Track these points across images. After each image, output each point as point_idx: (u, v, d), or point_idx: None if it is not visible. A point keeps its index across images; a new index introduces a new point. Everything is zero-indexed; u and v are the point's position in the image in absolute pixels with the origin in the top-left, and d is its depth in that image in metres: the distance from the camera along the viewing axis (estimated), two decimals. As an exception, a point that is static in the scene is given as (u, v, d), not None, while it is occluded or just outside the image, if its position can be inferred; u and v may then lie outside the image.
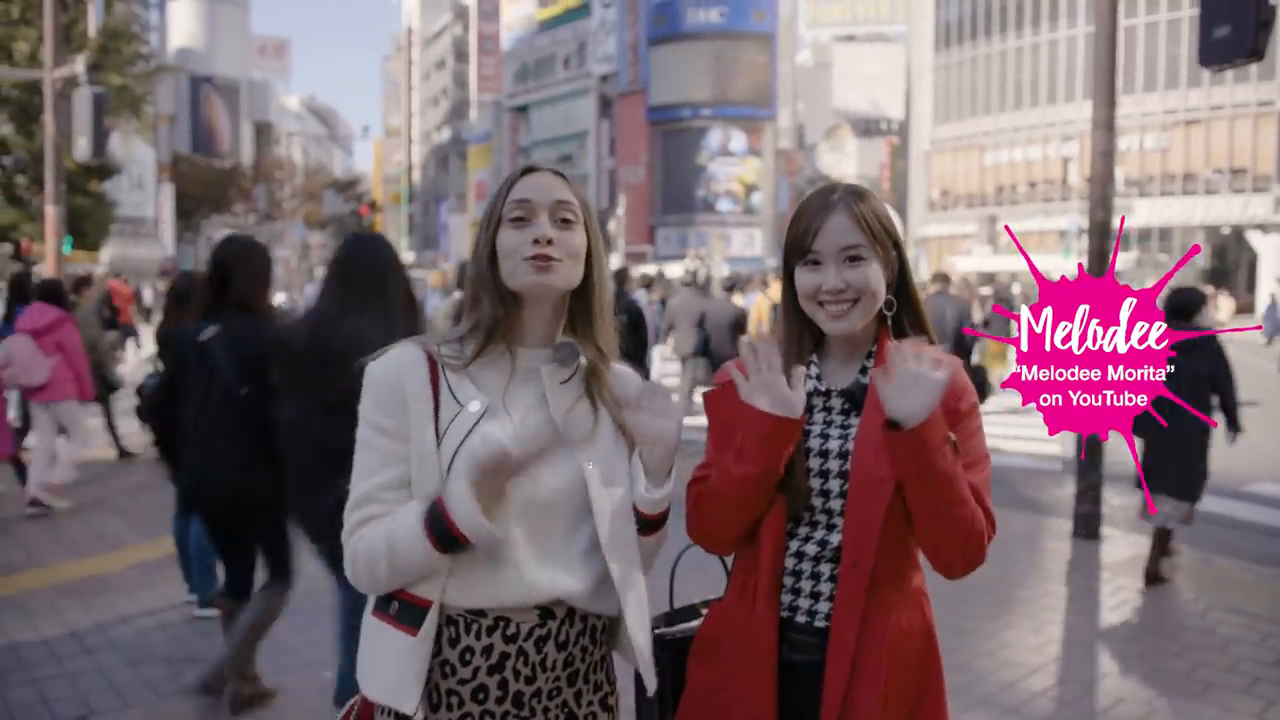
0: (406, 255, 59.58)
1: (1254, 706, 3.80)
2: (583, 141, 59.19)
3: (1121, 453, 8.99)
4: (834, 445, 1.60)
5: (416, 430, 1.46)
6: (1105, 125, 6.17)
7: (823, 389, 1.65)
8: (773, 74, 52.07)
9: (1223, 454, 9.51)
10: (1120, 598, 5.12)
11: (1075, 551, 5.99)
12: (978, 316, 11.01)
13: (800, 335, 1.67)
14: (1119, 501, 7.40)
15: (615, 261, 35.98)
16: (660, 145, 53.50)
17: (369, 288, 2.84)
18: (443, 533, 1.39)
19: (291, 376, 2.96)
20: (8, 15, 20.74)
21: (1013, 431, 10.76)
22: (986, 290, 20.47)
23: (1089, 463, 6.22)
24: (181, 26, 65.27)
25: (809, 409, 1.64)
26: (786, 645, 1.61)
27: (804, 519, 1.62)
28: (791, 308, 1.66)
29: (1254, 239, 37.04)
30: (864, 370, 1.64)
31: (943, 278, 10.63)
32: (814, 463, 1.60)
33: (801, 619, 1.61)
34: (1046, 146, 43.96)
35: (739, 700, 1.59)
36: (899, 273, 1.65)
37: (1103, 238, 6.25)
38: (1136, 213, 38.80)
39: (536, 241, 1.48)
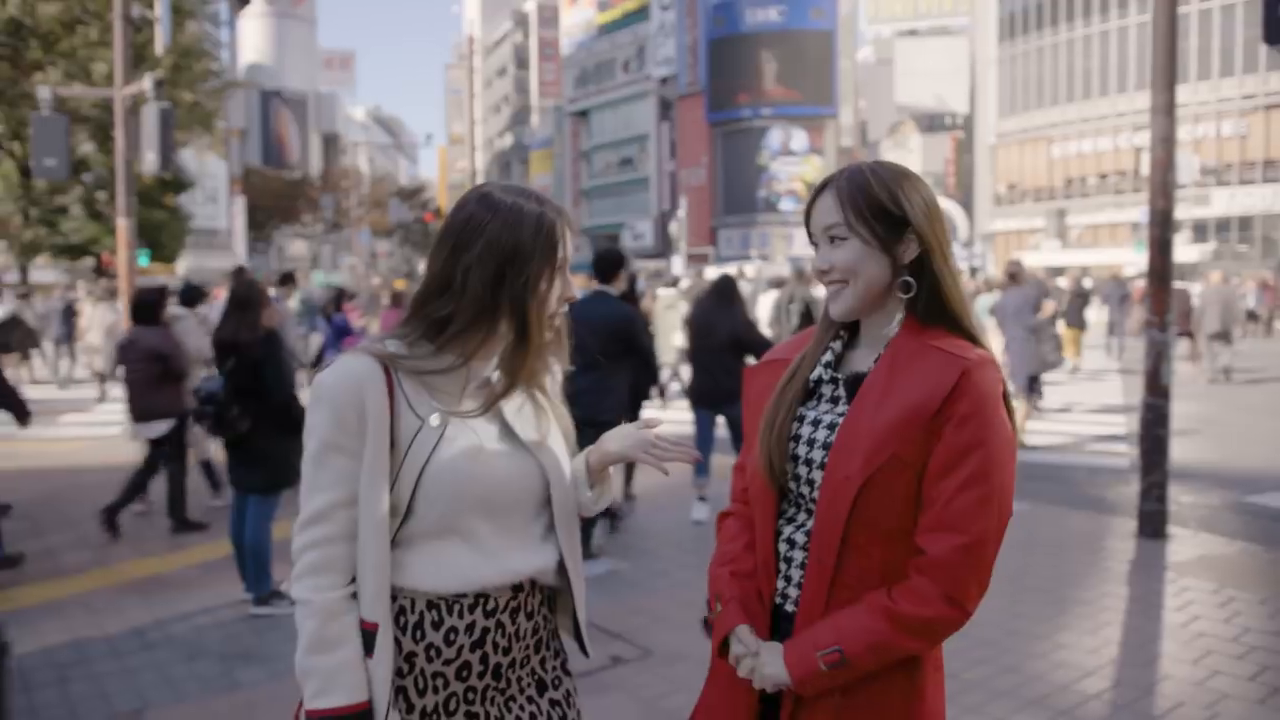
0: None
1: (1323, 712, 3.64)
2: (643, 144, 59.32)
3: (1188, 450, 8.74)
4: (821, 435, 1.57)
5: (372, 446, 1.48)
6: (1165, 110, 5.97)
7: (829, 377, 1.62)
8: (833, 71, 51.57)
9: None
10: (1184, 599, 4.94)
11: (1139, 551, 5.80)
12: (1050, 308, 11.15)
13: (830, 320, 1.65)
14: (1187, 499, 7.16)
15: (676, 264, 35.94)
16: (721, 146, 53.37)
17: None
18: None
19: None
20: (87, 38, 21.53)
21: (1077, 429, 10.49)
22: (1063, 282, 20.08)
23: (1152, 460, 6.02)
24: (251, 43, 67.13)
25: (817, 396, 1.62)
26: (779, 634, 1.59)
27: (799, 505, 1.60)
28: None
29: (1341, 227, 35.56)
30: (879, 359, 1.57)
31: (1015, 264, 10.98)
32: (802, 450, 1.58)
33: (790, 608, 1.59)
34: (1117, 137, 42.76)
35: (734, 683, 1.61)
36: (923, 254, 1.54)
37: (1164, 227, 6.05)
38: (1214, 202, 37.57)
39: (561, 299, 1.62)
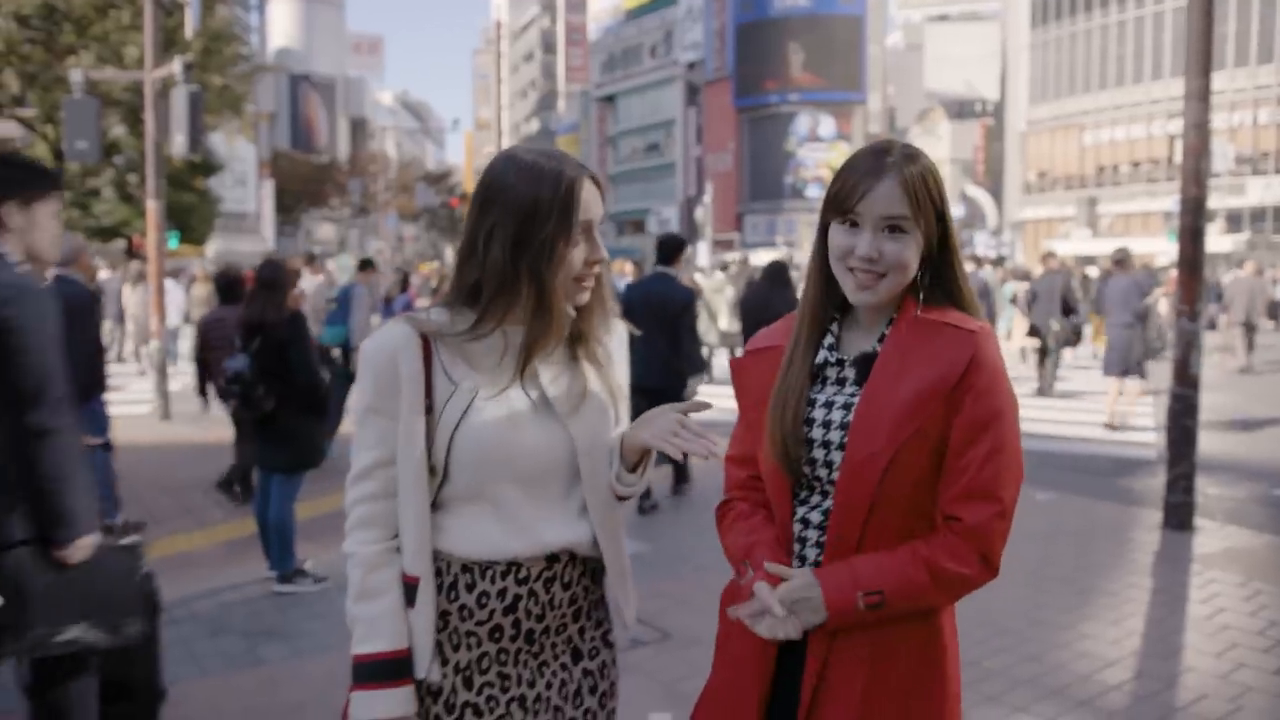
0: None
1: (1349, 706, 3.59)
2: (670, 130, 59.15)
3: (1216, 441, 8.63)
4: (836, 416, 1.56)
5: (406, 410, 1.54)
6: (1199, 96, 5.87)
7: (834, 359, 1.60)
8: (862, 57, 51.12)
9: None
10: (1210, 590, 4.89)
11: (1164, 543, 5.74)
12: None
13: (823, 298, 1.61)
14: (1215, 492, 7.08)
15: (702, 250, 35.84)
16: (748, 132, 53.11)
17: None
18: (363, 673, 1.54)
19: None
20: (119, 22, 21.70)
21: (1102, 418, 10.38)
22: (1093, 270, 20.04)
23: (1179, 451, 5.95)
24: (280, 27, 67.51)
25: (822, 379, 1.61)
26: None
27: (815, 487, 1.59)
28: (819, 267, 1.61)
29: (1380, 218, 34.87)
30: (882, 338, 1.57)
31: (1050, 255, 12.69)
32: (817, 433, 1.57)
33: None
34: (1150, 124, 42.08)
35: (743, 656, 1.61)
36: (941, 241, 1.55)
37: (1196, 215, 5.96)
38: (1249, 192, 36.94)
39: (589, 262, 1.59)
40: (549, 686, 1.61)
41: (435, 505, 1.57)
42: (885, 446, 1.48)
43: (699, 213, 41.86)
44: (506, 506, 1.56)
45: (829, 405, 1.58)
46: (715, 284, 13.97)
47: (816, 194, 50.43)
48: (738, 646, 1.63)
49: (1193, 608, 4.70)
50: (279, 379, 4.80)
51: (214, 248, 36.66)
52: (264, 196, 51.43)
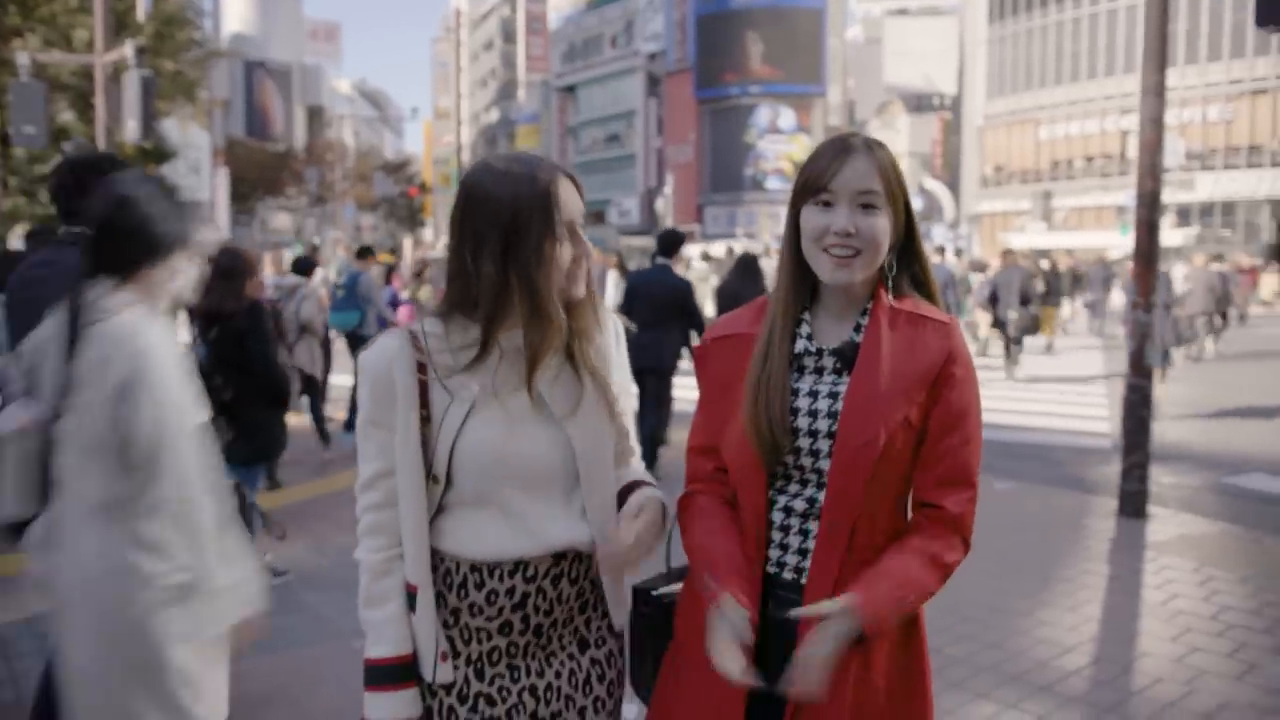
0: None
1: (1299, 688, 3.69)
2: (630, 121, 59.05)
3: (1169, 431, 8.81)
4: (823, 405, 1.57)
5: (403, 420, 1.56)
6: (1155, 91, 5.96)
7: (813, 349, 1.61)
8: (822, 50, 51.37)
9: (1274, 432, 9.28)
10: (1164, 577, 4.99)
11: (1120, 530, 5.85)
12: (1040, 287, 13.51)
13: (797, 287, 1.61)
14: (1168, 480, 7.22)
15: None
16: (708, 124, 53.18)
17: None
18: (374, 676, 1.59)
19: None
20: (67, 4, 21.16)
21: (1060, 409, 10.56)
22: (1045, 263, 20.61)
23: (1134, 440, 6.06)
24: (235, 12, 66.30)
25: (799, 369, 1.61)
26: (773, 601, 1.59)
27: (794, 476, 1.59)
28: (791, 256, 1.61)
29: (1323, 213, 35.80)
30: (858, 328, 1.60)
31: (1009, 252, 14.40)
32: (803, 422, 1.57)
33: (789, 575, 1.59)
34: (1104, 120, 42.82)
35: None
36: (906, 231, 1.61)
37: (1152, 208, 6.06)
38: (1199, 187, 37.73)
39: (576, 259, 1.59)
40: (558, 676, 1.64)
41: (441, 510, 1.60)
42: (877, 435, 1.50)
43: (660, 204, 41.90)
44: (512, 510, 1.58)
45: (814, 395, 1.58)
46: (699, 273, 14.42)
47: (777, 186, 50.67)
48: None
49: (1147, 593, 4.79)
50: (238, 369, 4.71)
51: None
52: (218, 185, 50.42)
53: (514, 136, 73.67)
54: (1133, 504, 6.07)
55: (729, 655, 1.49)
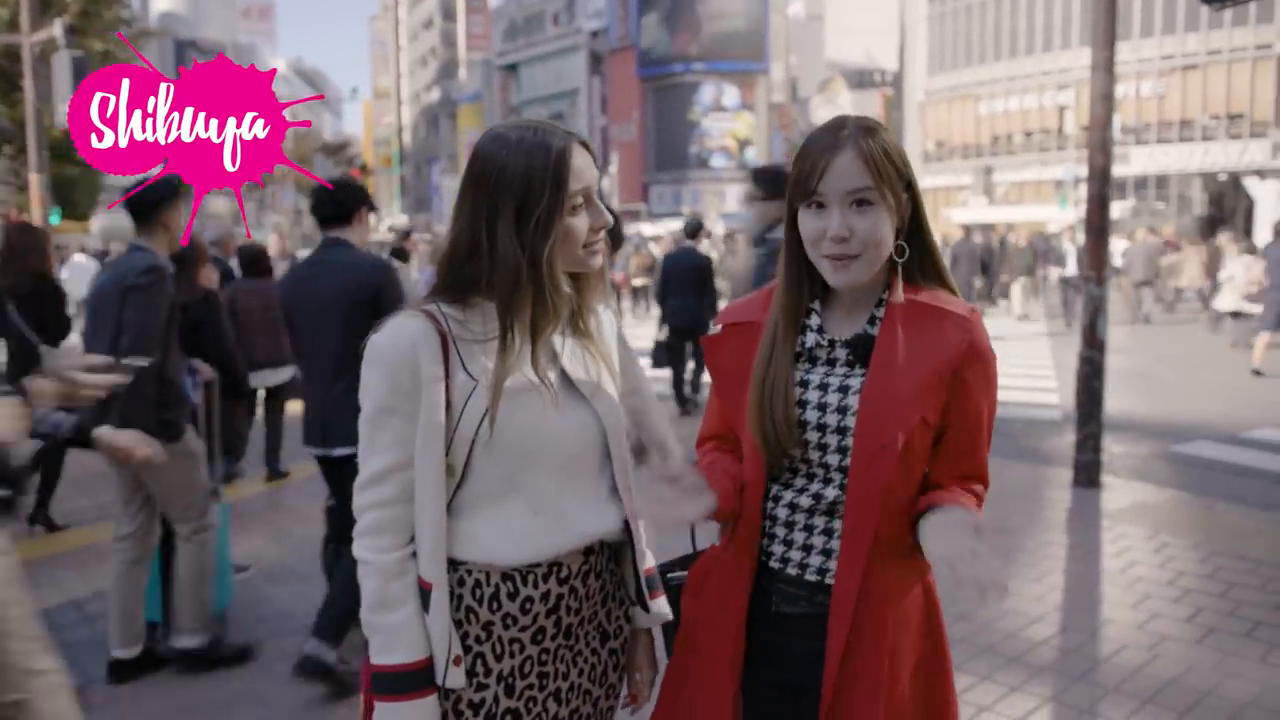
0: (400, 219, 59.20)
1: (1256, 650, 3.80)
2: (574, 99, 58.61)
3: (1118, 401, 9.02)
4: (833, 399, 1.53)
5: (427, 407, 1.46)
6: (1105, 68, 6.05)
7: (825, 340, 1.57)
8: (765, 27, 51.41)
9: (1225, 400, 9.56)
10: (1121, 545, 5.10)
11: (1075, 500, 5.98)
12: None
13: (801, 282, 1.57)
14: (1119, 450, 7.40)
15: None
16: (652, 102, 52.97)
17: None
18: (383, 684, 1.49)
19: None
20: (-14, -19, 20.35)
21: (1012, 383, 10.74)
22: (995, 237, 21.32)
23: (1088, 412, 6.18)
24: (164, -10, 64.30)
25: (811, 360, 1.58)
26: (776, 595, 1.58)
27: (800, 470, 1.57)
28: (793, 254, 1.57)
29: (1251, 185, 36.76)
30: (872, 320, 1.54)
31: (965, 228, 16.94)
32: (811, 415, 1.54)
33: (792, 571, 1.57)
34: (1042, 95, 43.49)
35: (711, 641, 1.60)
36: (912, 216, 1.54)
37: (1103, 183, 6.16)
38: (1133, 160, 38.54)
39: (594, 229, 1.53)
40: (580, 674, 1.62)
41: (454, 508, 1.51)
42: (896, 438, 1.46)
43: (605, 183, 41.69)
44: (540, 499, 1.51)
45: (824, 387, 1.55)
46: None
47: (721, 163, 50.72)
48: (709, 628, 1.61)
49: (1106, 562, 4.90)
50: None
51: (99, 224, 34.90)
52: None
53: (455, 116, 72.70)
54: (1087, 474, 6.20)
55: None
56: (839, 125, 1.52)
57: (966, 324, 1.51)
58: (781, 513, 1.57)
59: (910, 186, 1.53)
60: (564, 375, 1.56)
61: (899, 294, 1.53)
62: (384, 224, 46.62)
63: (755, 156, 50.27)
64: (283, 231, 13.38)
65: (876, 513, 1.49)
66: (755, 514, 1.58)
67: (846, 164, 1.46)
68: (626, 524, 1.62)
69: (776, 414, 1.52)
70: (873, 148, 1.47)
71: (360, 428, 1.51)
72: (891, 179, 1.48)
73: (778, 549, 1.58)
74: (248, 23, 79.31)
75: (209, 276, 4.73)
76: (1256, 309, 13.86)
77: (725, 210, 42.50)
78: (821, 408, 1.53)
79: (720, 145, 51.43)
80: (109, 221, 34.87)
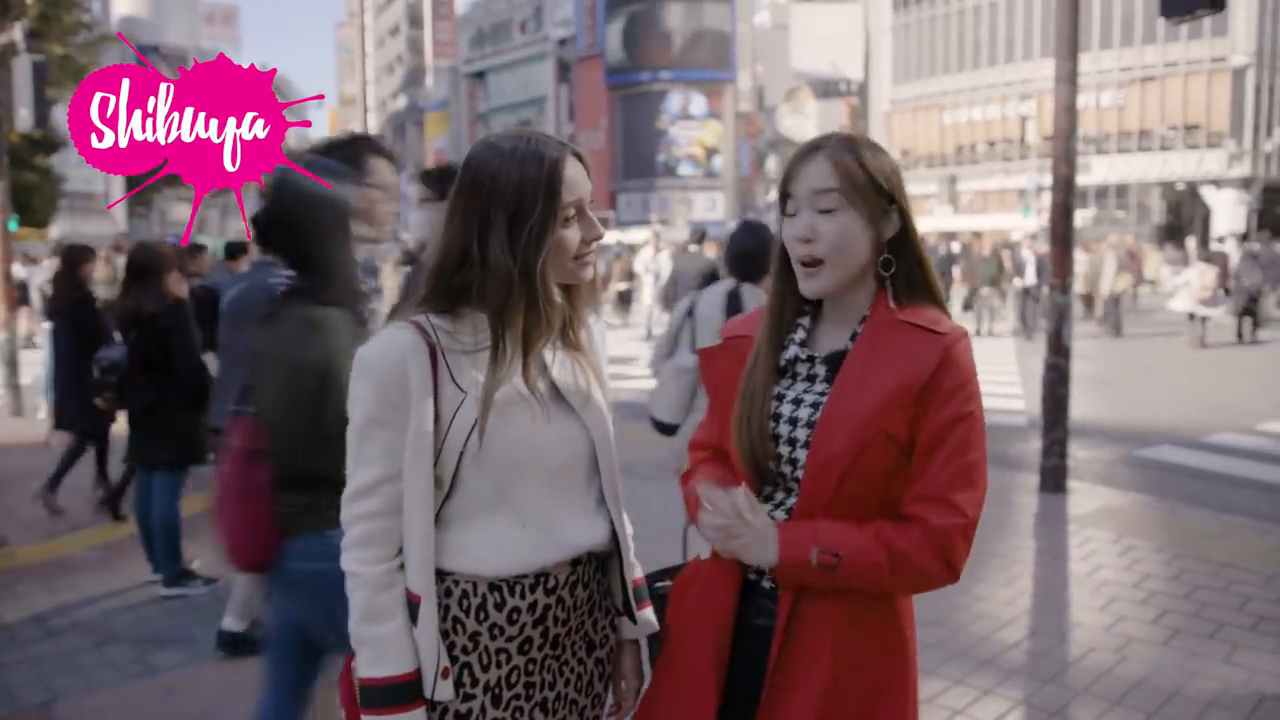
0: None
1: (1220, 651, 3.87)
2: (541, 107, 58.53)
3: (1082, 407, 9.15)
4: (804, 414, 1.54)
5: (415, 419, 1.45)
6: (1068, 80, 6.16)
7: (804, 355, 1.58)
8: (732, 36, 51.70)
9: (1185, 405, 9.73)
10: (1088, 549, 5.18)
11: (1043, 505, 6.05)
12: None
13: (784, 298, 1.59)
14: (1084, 454, 7.50)
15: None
16: (620, 110, 53.05)
17: None
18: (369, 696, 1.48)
19: None
20: (-59, -16, 20.02)
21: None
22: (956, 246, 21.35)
23: (1054, 417, 6.27)
24: (125, -6, 63.45)
25: (793, 375, 1.59)
26: (752, 608, 1.59)
27: (779, 484, 1.58)
28: (781, 266, 1.59)
29: (1208, 194, 37.53)
30: (854, 336, 1.55)
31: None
32: (783, 429, 1.55)
33: (766, 584, 1.58)
34: (1005, 105, 44.10)
35: (690, 651, 1.60)
36: (902, 231, 1.54)
37: (1067, 192, 6.26)
38: (1094, 170, 39.16)
39: (586, 241, 1.53)
40: (567, 684, 1.61)
41: (441, 520, 1.50)
42: (846, 449, 1.46)
43: (574, 191, 41.60)
44: (529, 511, 1.51)
45: (797, 402, 1.56)
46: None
47: (689, 172, 50.89)
48: (688, 639, 1.62)
49: (1074, 565, 4.97)
50: (160, 370, 4.53)
51: (58, 230, 34.33)
52: (113, 175, 48.43)
53: (422, 124, 72.37)
54: (1053, 479, 6.28)
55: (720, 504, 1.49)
56: (825, 138, 1.55)
57: (939, 340, 1.48)
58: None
59: (896, 200, 1.54)
60: (553, 387, 1.56)
61: (881, 310, 1.53)
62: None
63: (723, 165, 50.53)
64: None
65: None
66: None
67: (816, 168, 1.51)
68: (614, 535, 1.61)
69: (752, 426, 1.54)
70: (846, 158, 1.50)
71: (348, 440, 1.50)
72: (864, 189, 1.49)
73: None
74: (211, 28, 78.35)
75: (178, 284, 4.68)
76: (1212, 312, 14.26)
77: (693, 218, 42.64)
78: (793, 422, 1.55)
79: (688, 154, 51.61)
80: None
